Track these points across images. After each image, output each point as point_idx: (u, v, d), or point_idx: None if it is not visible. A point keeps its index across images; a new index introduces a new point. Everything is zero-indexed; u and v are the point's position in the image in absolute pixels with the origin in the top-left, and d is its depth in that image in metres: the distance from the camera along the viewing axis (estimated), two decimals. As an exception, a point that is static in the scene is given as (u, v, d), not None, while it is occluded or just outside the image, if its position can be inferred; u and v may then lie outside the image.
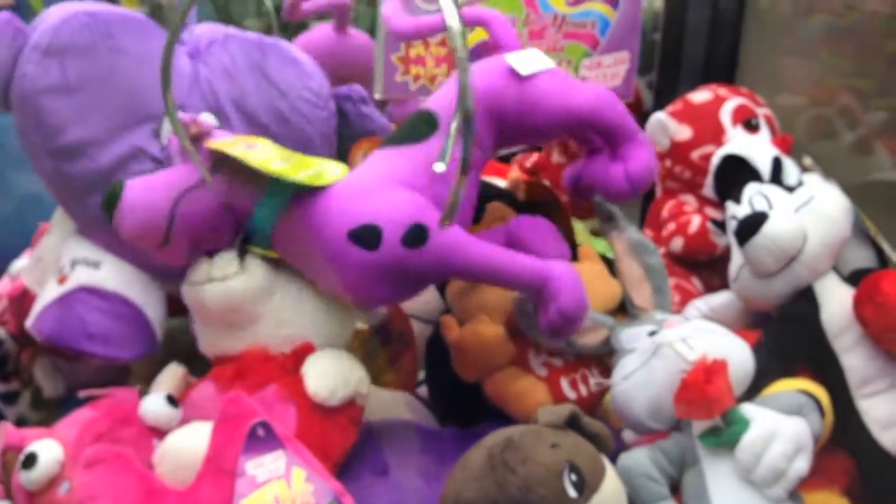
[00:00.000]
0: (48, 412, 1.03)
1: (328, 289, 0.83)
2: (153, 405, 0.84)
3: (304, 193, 0.80)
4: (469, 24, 0.96)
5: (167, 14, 0.93)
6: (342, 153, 1.02)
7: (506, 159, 1.36)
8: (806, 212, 0.88)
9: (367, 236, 0.77)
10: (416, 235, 0.76)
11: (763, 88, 1.27)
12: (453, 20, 0.69)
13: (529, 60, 0.87)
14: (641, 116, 1.49)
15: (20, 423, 0.99)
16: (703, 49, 1.56)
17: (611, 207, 0.88)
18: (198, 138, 0.83)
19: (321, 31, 1.33)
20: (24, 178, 0.95)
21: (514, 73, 0.86)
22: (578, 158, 0.95)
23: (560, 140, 1.01)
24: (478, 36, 1.11)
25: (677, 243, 1.11)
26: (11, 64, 0.85)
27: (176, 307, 0.99)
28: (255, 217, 0.82)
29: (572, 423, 0.73)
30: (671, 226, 1.13)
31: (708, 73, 1.54)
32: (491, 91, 0.85)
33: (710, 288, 1.10)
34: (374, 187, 0.80)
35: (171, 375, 0.90)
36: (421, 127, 0.84)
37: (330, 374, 0.82)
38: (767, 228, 0.87)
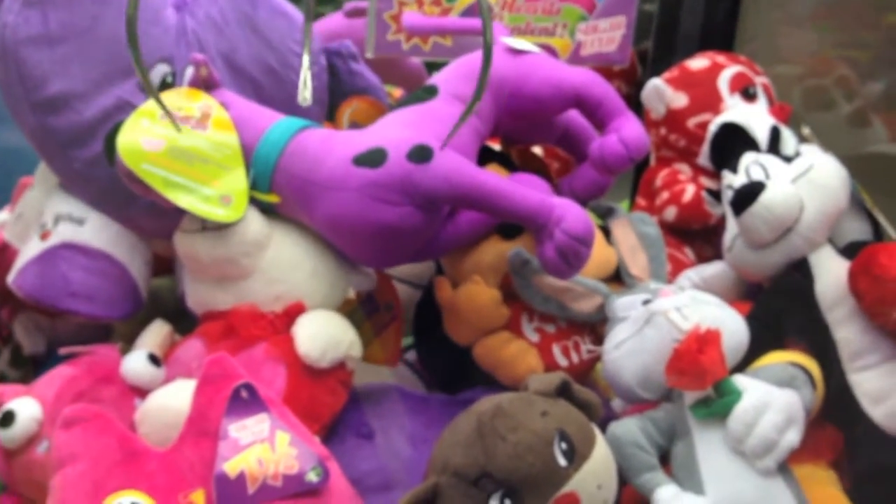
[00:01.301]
0: (28, 369, 1.01)
1: (330, 230, 0.81)
2: (135, 364, 0.82)
3: (308, 131, 0.81)
4: (467, 32, 1.02)
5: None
6: (331, 110, 1.00)
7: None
8: (803, 182, 0.87)
9: (372, 157, 0.78)
10: (421, 153, 0.78)
11: (761, 58, 1.25)
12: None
13: (523, 43, 0.93)
14: (636, 85, 1.48)
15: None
16: (700, 19, 1.54)
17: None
18: (207, 85, 0.83)
19: (335, 19, 1.30)
20: (3, 132, 0.93)
21: (509, 49, 0.91)
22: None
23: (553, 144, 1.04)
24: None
25: (671, 212, 1.10)
26: None
27: (161, 266, 0.98)
28: (256, 156, 0.81)
29: (563, 392, 0.72)
30: (665, 194, 1.11)
31: (704, 43, 1.52)
32: None
33: (702, 258, 1.09)
34: (377, 128, 0.84)
35: (156, 333, 0.88)
36: (422, 94, 0.87)
37: (321, 336, 0.80)
38: (764, 198, 0.86)
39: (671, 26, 1.55)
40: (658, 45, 1.56)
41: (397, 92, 1.35)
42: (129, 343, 0.92)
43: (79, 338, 0.96)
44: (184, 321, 0.90)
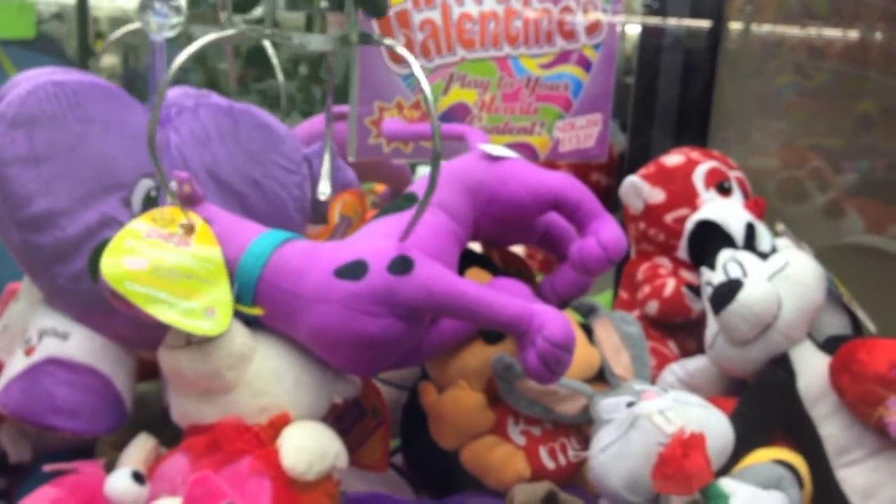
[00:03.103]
0: (13, 477, 1.00)
1: (313, 342, 0.82)
2: (119, 484, 0.81)
3: (291, 243, 0.82)
4: (448, 138, 1.04)
5: (153, 81, 0.92)
6: (317, 211, 1.02)
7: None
8: (780, 279, 0.88)
9: (353, 269, 0.79)
10: (402, 265, 0.78)
11: (734, 150, 1.29)
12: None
13: (500, 150, 0.95)
14: (615, 176, 1.51)
15: (-16, 490, 0.97)
16: (677, 90, 1.58)
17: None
18: (190, 200, 0.84)
19: (315, 121, 1.33)
20: None
21: (487, 156, 0.93)
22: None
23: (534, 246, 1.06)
24: (450, 99, 1.12)
25: (653, 306, 1.11)
26: None
27: (147, 371, 0.98)
28: (240, 269, 0.81)
29: (549, 501, 0.72)
30: (646, 289, 1.13)
31: (682, 114, 1.56)
32: (465, 165, 0.92)
33: (685, 351, 1.10)
34: (358, 238, 0.86)
35: (140, 448, 0.87)
36: (402, 203, 0.89)
37: (307, 448, 0.80)
38: (742, 296, 0.87)
39: (649, 98, 1.59)
40: (636, 116, 1.60)
41: (379, 187, 1.37)
42: (113, 449, 0.92)
43: (64, 445, 0.95)
44: (169, 427, 0.89)
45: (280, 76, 1.10)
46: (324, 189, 0.93)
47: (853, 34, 1.34)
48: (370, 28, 1.02)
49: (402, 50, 0.84)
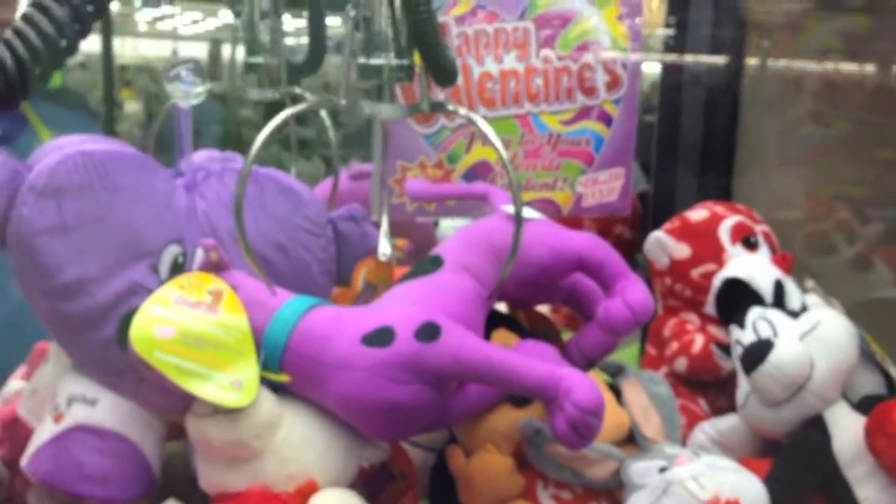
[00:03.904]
0: (41, 540, 1.00)
1: (341, 409, 0.82)
2: (148, 554, 0.81)
3: (317, 310, 0.82)
4: (470, 198, 1.03)
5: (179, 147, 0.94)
6: (343, 274, 1.02)
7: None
8: (812, 339, 0.87)
9: (380, 336, 0.78)
10: (429, 331, 0.78)
11: (758, 195, 1.28)
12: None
13: (524, 211, 0.93)
14: (641, 221, 1.51)
15: (10, 553, 0.97)
16: (700, 129, 1.58)
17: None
18: (217, 267, 0.84)
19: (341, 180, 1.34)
20: (14, 287, 0.94)
21: (510, 217, 0.91)
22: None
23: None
24: (472, 158, 1.12)
25: (681, 364, 1.10)
26: (7, 205, 0.85)
27: (175, 432, 0.97)
28: (266, 337, 0.81)
29: (583, 572, 0.71)
30: (674, 345, 1.12)
31: (706, 154, 1.56)
32: (490, 227, 0.92)
33: (716, 408, 1.09)
34: (384, 303, 0.85)
35: (168, 514, 0.87)
36: (427, 266, 0.89)
37: None
38: (774, 357, 0.86)
39: (672, 137, 1.59)
40: (660, 157, 1.60)
41: (402, 242, 1.37)
42: (140, 511, 0.92)
43: (91, 507, 0.95)
44: (197, 490, 0.89)
45: (332, 137, 1.10)
46: (384, 250, 0.93)
47: (872, 79, 1.34)
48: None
49: (478, 120, 0.85)
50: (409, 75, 0.86)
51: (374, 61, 0.84)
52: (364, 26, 0.84)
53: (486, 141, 0.83)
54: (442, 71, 0.86)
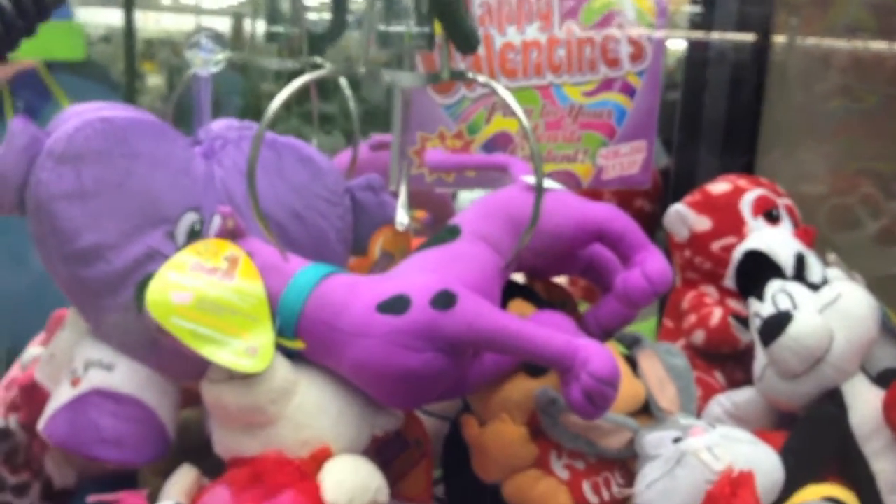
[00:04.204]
0: (58, 503, 1.01)
1: (355, 376, 0.82)
2: (163, 516, 0.82)
3: (333, 277, 0.82)
4: (490, 168, 1.03)
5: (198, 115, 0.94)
6: (360, 243, 1.02)
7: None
8: (832, 312, 0.86)
9: (396, 304, 0.78)
10: (445, 300, 0.78)
11: (782, 170, 1.26)
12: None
13: (545, 181, 0.92)
14: (661, 195, 1.49)
15: (30, 515, 0.98)
16: (724, 105, 1.56)
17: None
18: (233, 234, 0.85)
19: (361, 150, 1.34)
20: (34, 255, 0.95)
21: (530, 188, 0.91)
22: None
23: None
24: (492, 129, 1.11)
25: (699, 336, 1.10)
26: (26, 170, 0.85)
27: (190, 398, 0.98)
28: (282, 303, 0.82)
29: (595, 540, 0.71)
30: (692, 318, 1.11)
31: (729, 131, 1.54)
32: (509, 197, 0.91)
33: (732, 381, 1.08)
34: (400, 272, 0.85)
35: (183, 479, 0.88)
36: (445, 235, 0.88)
37: (348, 482, 0.80)
38: (792, 329, 0.85)
39: (695, 114, 1.57)
40: (682, 134, 1.58)
41: (420, 213, 1.37)
42: (156, 476, 0.92)
43: (108, 471, 0.96)
44: (212, 455, 0.90)
45: (353, 108, 1.10)
46: (401, 219, 0.93)
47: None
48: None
49: (499, 88, 0.84)
50: (429, 44, 0.85)
51: (395, 29, 0.84)
52: None
53: (507, 110, 0.82)
54: (464, 39, 0.85)
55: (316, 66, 1.03)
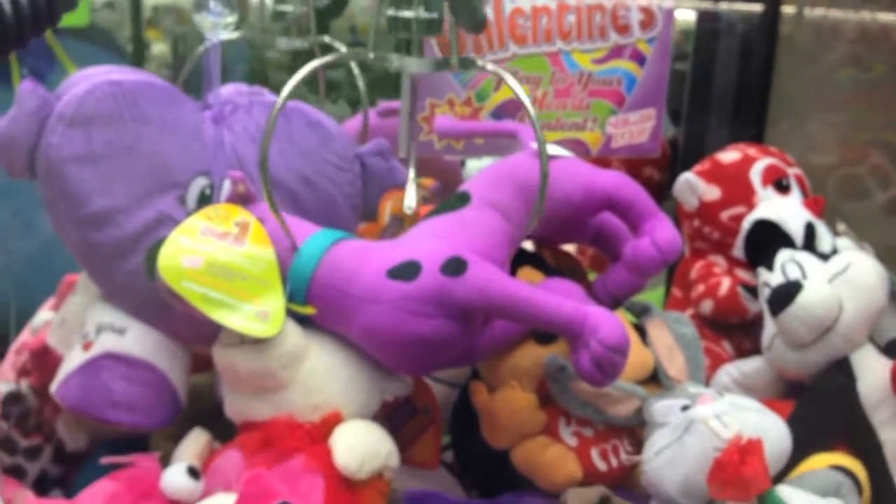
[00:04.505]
0: (70, 466, 1.02)
1: (365, 342, 0.82)
2: (174, 479, 0.82)
3: (343, 243, 0.82)
4: (499, 135, 1.03)
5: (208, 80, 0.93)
6: (370, 209, 1.02)
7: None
8: (841, 282, 0.86)
9: (406, 270, 0.79)
10: (455, 266, 0.78)
11: (791, 141, 1.26)
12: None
13: (553, 148, 0.94)
14: (670, 164, 1.49)
15: (42, 478, 0.99)
16: (734, 76, 1.55)
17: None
18: (244, 199, 0.85)
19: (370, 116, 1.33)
20: (45, 219, 0.95)
21: (538, 154, 0.89)
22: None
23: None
24: (501, 96, 1.11)
25: (707, 306, 1.10)
26: (36, 134, 0.85)
27: (201, 363, 0.99)
28: (293, 269, 0.82)
29: (603, 506, 0.72)
30: (700, 287, 1.11)
31: (739, 101, 1.53)
32: (519, 164, 0.91)
33: (740, 351, 1.08)
34: (410, 238, 0.85)
35: (195, 442, 0.88)
36: (454, 202, 0.88)
37: (359, 447, 0.80)
38: (802, 299, 0.85)
39: (705, 85, 1.56)
40: (691, 105, 1.57)
41: (428, 181, 1.36)
42: (167, 440, 0.93)
43: (119, 435, 0.97)
44: (222, 419, 0.91)
45: (361, 84, 1.10)
46: (409, 203, 0.93)
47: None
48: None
49: (506, 76, 0.84)
50: (437, 29, 0.84)
51: (404, 14, 0.83)
52: None
53: (517, 96, 0.82)
54: (469, 20, 0.84)
55: (325, 46, 1.03)
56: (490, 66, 0.86)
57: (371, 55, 0.85)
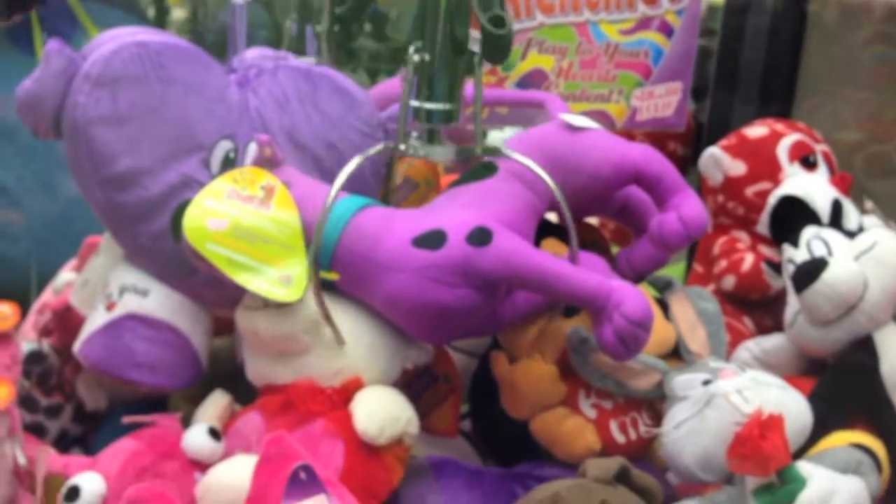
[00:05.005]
0: (89, 425, 1.03)
1: (388, 309, 0.83)
2: (195, 439, 0.83)
3: (369, 209, 0.82)
4: (526, 104, 1.02)
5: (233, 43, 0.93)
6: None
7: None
8: (867, 259, 0.86)
9: (431, 239, 0.79)
10: (480, 236, 0.78)
11: (819, 118, 1.25)
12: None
13: (582, 120, 0.92)
14: (693, 146, 1.48)
15: (62, 436, 1.00)
16: (762, 54, 1.54)
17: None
18: (270, 163, 0.85)
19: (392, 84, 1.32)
20: (71, 180, 0.95)
21: (567, 126, 0.91)
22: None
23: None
24: (528, 65, 1.10)
25: (729, 282, 1.09)
26: (62, 94, 0.85)
27: (222, 327, 0.99)
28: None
29: (621, 477, 0.72)
30: (723, 263, 1.10)
31: (766, 79, 1.52)
32: (546, 135, 0.90)
33: (762, 328, 1.08)
34: (436, 206, 0.85)
35: (215, 404, 0.89)
36: (481, 171, 0.88)
37: (379, 413, 0.81)
38: (827, 276, 0.85)
39: (732, 61, 1.55)
40: (718, 81, 1.56)
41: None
42: (187, 402, 0.94)
43: (138, 395, 0.98)
44: (242, 381, 0.91)
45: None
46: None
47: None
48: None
49: (532, 165, 0.83)
50: (454, 118, 0.83)
51: (427, 106, 0.82)
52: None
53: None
54: (502, 57, 0.85)
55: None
56: (517, 157, 0.84)
57: (402, 146, 0.84)
